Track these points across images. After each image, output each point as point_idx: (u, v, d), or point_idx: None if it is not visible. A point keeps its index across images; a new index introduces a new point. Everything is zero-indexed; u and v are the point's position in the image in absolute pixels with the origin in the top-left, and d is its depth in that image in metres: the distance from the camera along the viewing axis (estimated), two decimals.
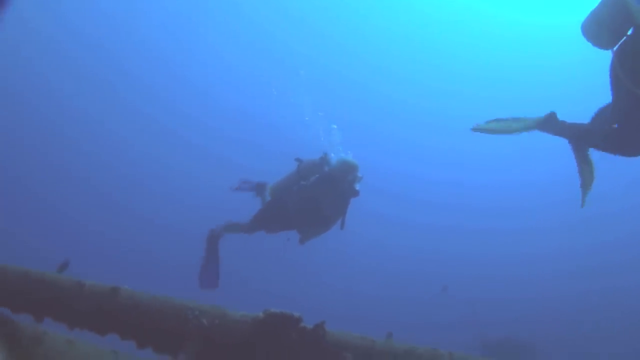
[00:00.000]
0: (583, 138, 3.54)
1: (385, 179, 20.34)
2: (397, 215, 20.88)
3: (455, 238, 20.69)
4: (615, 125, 3.28)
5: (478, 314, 15.55)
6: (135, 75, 22.80)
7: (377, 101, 23.74)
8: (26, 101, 21.21)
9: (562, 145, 3.75)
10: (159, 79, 23.15)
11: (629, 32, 3.01)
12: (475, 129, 3.84)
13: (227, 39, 23.55)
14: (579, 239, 19.65)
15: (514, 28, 21.37)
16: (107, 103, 22.30)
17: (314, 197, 5.36)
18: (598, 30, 3.17)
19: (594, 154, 3.56)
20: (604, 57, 3.47)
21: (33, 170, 20.41)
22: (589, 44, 3.30)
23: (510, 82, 21.47)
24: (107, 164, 21.90)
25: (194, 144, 23.32)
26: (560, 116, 3.68)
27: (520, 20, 21.18)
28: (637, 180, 19.62)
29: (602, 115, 3.45)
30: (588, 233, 19.85)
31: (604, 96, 3.37)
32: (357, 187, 5.29)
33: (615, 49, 3.07)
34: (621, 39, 3.06)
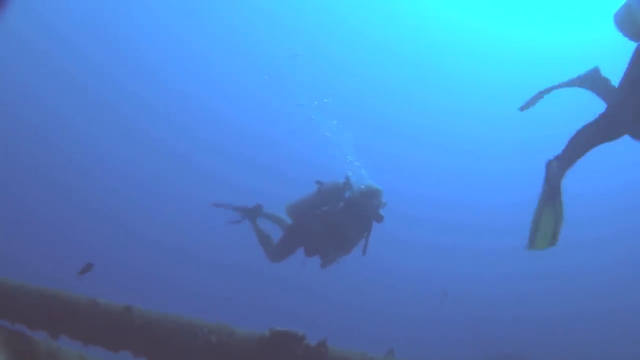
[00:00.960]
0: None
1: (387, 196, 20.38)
2: (399, 232, 20.90)
3: (458, 256, 20.64)
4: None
5: (448, 297, 15.46)
6: (136, 89, 22.95)
7: (371, 113, 23.75)
8: (16, 109, 21.23)
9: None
10: (160, 91, 23.26)
11: None
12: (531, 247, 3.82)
13: (225, 48, 23.59)
14: (583, 258, 19.59)
15: (528, 48, 21.45)
16: (106, 116, 22.40)
17: (338, 223, 5.40)
18: (632, 21, 3.21)
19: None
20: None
21: (22, 180, 20.39)
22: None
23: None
24: (104, 177, 21.94)
25: (194, 158, 23.35)
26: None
27: (532, 40, 21.30)
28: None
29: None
30: (593, 252, 19.77)
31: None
32: (382, 212, 5.35)
33: None
34: None
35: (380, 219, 5.34)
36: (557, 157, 3.65)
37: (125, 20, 22.09)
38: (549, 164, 3.67)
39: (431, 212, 22.09)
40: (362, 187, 5.48)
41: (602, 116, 3.41)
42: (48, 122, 21.79)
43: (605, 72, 3.63)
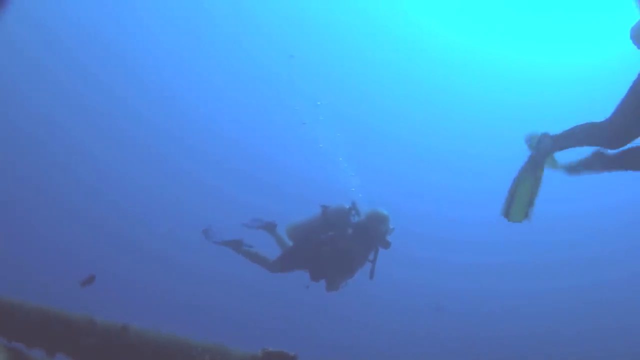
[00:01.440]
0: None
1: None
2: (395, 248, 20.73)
3: (453, 272, 20.62)
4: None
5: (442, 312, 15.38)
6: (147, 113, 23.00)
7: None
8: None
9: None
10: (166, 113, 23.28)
11: None
12: (506, 214, 3.90)
13: (222, 54, 23.62)
14: (580, 275, 19.56)
15: (525, 68, 21.64)
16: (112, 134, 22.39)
17: (346, 249, 5.43)
18: None
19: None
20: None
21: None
22: None
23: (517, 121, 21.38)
24: (102, 186, 21.85)
25: (190, 167, 23.30)
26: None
27: (527, 62, 21.53)
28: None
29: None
30: (592, 269, 19.74)
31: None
32: (389, 238, 5.41)
33: None
34: None
35: (387, 245, 5.38)
36: (553, 137, 3.71)
37: (126, 29, 22.18)
38: (542, 137, 3.75)
39: (425, 226, 22.09)
40: (370, 212, 5.51)
41: (604, 125, 3.45)
42: (45, 128, 21.76)
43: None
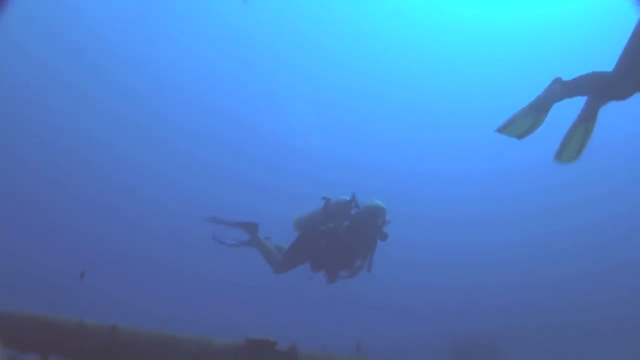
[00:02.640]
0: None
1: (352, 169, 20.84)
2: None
3: (424, 227, 20.61)
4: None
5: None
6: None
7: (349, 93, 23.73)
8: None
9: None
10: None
11: None
12: (500, 131, 3.98)
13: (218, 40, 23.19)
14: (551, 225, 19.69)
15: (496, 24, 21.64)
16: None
17: (342, 241, 5.52)
18: None
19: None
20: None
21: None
22: None
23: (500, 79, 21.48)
24: (104, 174, 21.56)
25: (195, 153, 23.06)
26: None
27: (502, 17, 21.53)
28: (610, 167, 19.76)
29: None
30: (562, 219, 19.88)
31: None
32: (386, 231, 5.45)
33: None
34: None
35: (384, 237, 5.43)
36: (563, 83, 3.82)
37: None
38: (554, 81, 3.87)
39: (389, 183, 21.84)
40: (367, 204, 5.58)
41: (610, 75, 3.50)
42: (48, 121, 21.34)
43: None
